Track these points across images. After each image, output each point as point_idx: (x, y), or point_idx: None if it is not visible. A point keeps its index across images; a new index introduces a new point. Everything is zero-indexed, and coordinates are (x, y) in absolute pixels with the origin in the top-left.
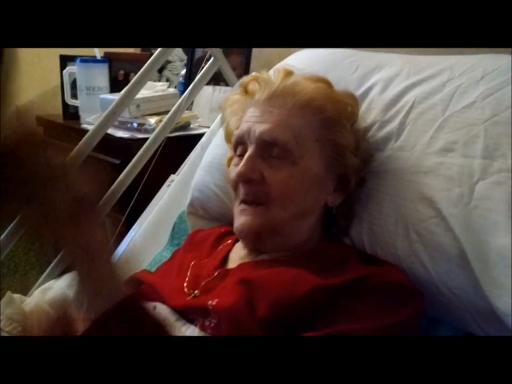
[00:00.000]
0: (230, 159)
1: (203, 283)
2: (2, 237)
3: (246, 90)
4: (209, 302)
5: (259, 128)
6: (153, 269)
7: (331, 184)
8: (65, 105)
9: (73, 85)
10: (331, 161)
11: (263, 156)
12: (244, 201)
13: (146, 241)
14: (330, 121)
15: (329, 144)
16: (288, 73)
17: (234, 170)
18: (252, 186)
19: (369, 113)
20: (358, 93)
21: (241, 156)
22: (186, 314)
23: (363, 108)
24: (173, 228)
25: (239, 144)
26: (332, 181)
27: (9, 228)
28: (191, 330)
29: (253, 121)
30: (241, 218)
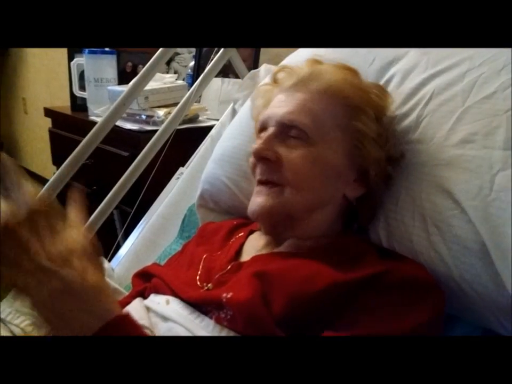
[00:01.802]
0: None
1: (216, 276)
2: None
3: (275, 80)
4: (224, 295)
5: (280, 111)
6: (163, 262)
7: (351, 174)
8: (73, 97)
9: (81, 76)
10: (352, 149)
11: (281, 138)
12: (259, 182)
13: (156, 234)
14: (353, 108)
15: (350, 131)
16: (316, 61)
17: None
18: (267, 165)
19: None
20: None
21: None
22: (199, 307)
23: None
24: (183, 221)
25: (262, 129)
26: (351, 170)
27: None
28: (205, 323)
29: (276, 106)
30: (255, 199)
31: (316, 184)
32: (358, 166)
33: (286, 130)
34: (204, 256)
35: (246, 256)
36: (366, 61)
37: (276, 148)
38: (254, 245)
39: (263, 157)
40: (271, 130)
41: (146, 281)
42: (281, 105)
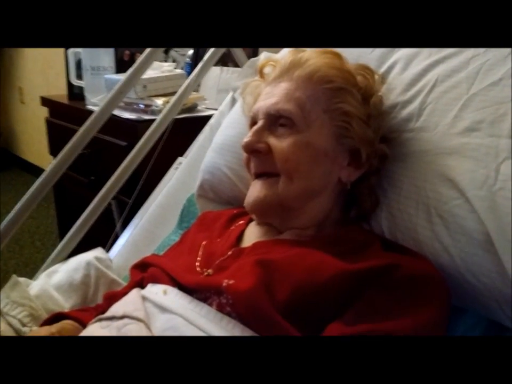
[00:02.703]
0: None
1: (217, 262)
2: (6, 220)
3: (261, 75)
4: (225, 281)
5: (266, 103)
6: (161, 253)
7: (343, 157)
8: (70, 85)
9: (78, 65)
10: (341, 131)
11: (270, 129)
12: (255, 175)
13: (154, 224)
14: (337, 90)
15: (337, 114)
16: (300, 50)
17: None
18: (258, 157)
19: (390, 93)
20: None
21: None
22: (198, 293)
23: (383, 89)
24: (182, 211)
25: (253, 124)
26: (344, 153)
27: (13, 211)
28: (205, 311)
29: (263, 98)
30: (250, 193)
31: (308, 170)
32: (348, 148)
33: (274, 121)
34: (204, 242)
35: (247, 242)
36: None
37: (265, 139)
38: (255, 231)
39: (254, 150)
40: (260, 123)
41: (144, 272)
42: (268, 97)
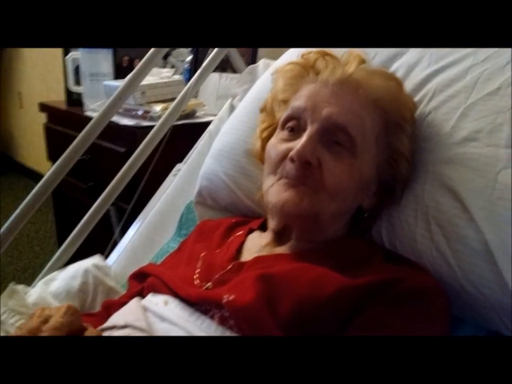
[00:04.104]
0: (265, 130)
1: (216, 276)
2: (5, 226)
3: (310, 66)
4: (225, 296)
5: (328, 109)
6: (160, 260)
7: (373, 187)
8: (68, 91)
9: (77, 71)
10: (384, 165)
11: (323, 140)
12: (287, 177)
13: (153, 231)
14: (393, 124)
15: (387, 148)
16: (362, 61)
17: (281, 146)
18: (306, 168)
19: None
20: None
21: (292, 131)
22: (199, 306)
23: None
24: (181, 218)
25: (294, 118)
26: (375, 184)
27: (12, 216)
28: (206, 325)
29: (319, 100)
30: (285, 194)
31: (349, 195)
32: (382, 180)
33: (330, 133)
34: (203, 254)
35: (246, 255)
36: (367, 55)
37: (318, 151)
38: (255, 244)
39: (306, 161)
40: (313, 128)
41: (143, 282)
42: (326, 101)
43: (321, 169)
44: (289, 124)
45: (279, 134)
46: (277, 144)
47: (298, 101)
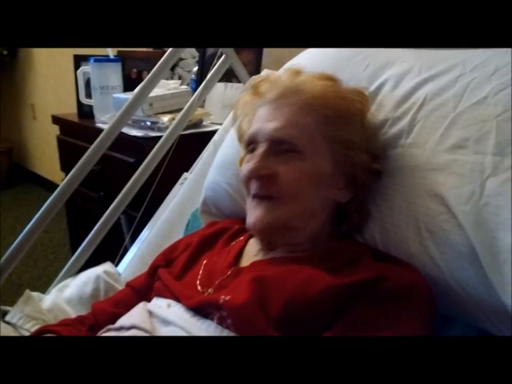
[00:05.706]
0: (243, 159)
1: (217, 282)
2: (21, 234)
3: (256, 91)
4: (222, 297)
5: (269, 126)
6: None
7: (339, 180)
8: (80, 104)
9: (87, 84)
10: (339, 157)
11: (274, 153)
12: (255, 196)
13: (161, 238)
14: (336, 118)
15: (336, 141)
16: (297, 72)
17: (246, 167)
18: (263, 181)
19: (381, 110)
20: (369, 90)
21: (252, 152)
22: (200, 310)
23: (375, 105)
24: (187, 226)
25: (251, 142)
26: (340, 177)
27: (29, 225)
28: (207, 325)
29: (263, 119)
30: (254, 214)
31: (310, 194)
32: (345, 172)
33: (278, 146)
34: (205, 261)
35: (245, 260)
36: (361, 65)
37: (271, 164)
38: (253, 249)
39: (260, 176)
40: (263, 146)
41: (153, 279)
42: (268, 119)
43: (278, 178)
44: (249, 148)
45: (246, 157)
46: (243, 166)
47: (252, 127)
